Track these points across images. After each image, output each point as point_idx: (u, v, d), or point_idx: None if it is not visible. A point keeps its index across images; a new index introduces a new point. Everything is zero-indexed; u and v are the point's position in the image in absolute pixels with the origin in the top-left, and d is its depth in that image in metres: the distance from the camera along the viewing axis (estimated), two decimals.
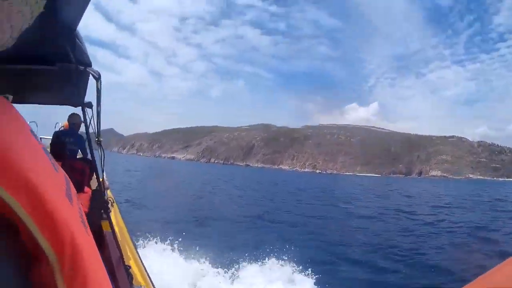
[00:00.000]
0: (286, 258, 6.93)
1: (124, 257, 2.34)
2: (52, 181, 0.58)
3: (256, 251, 7.35)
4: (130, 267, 2.11)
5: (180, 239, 7.19)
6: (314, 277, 6.34)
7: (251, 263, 6.68)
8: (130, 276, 1.99)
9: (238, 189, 29.24)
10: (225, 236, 9.94)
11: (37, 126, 7.25)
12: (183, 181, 33.99)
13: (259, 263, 6.77)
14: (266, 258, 6.96)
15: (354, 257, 8.77)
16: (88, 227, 0.68)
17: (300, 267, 6.68)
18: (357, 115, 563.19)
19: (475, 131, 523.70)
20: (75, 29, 1.50)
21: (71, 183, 0.82)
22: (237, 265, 6.51)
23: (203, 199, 19.90)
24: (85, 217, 0.73)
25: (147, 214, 12.39)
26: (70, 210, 0.57)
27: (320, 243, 10.31)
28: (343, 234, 11.82)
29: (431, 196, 34.60)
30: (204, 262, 6.30)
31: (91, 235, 0.71)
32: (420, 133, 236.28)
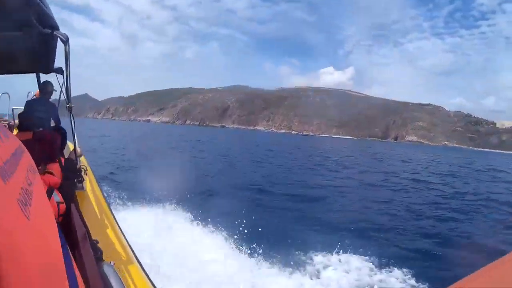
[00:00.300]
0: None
1: (93, 229, 2.22)
2: None
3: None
4: (97, 242, 1.99)
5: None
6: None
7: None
8: (98, 251, 1.87)
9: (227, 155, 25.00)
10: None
11: (9, 97, 7.09)
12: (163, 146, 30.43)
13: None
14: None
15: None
16: (31, 206, 0.62)
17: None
18: (332, 78, 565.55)
19: (450, 101, 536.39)
20: None
21: (23, 156, 0.77)
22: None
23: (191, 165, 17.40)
24: (32, 193, 0.67)
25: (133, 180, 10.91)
26: None
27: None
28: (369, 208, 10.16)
29: (428, 162, 33.05)
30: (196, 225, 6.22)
31: (38, 214, 0.65)
32: (396, 99, 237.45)
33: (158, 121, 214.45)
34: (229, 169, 17.19)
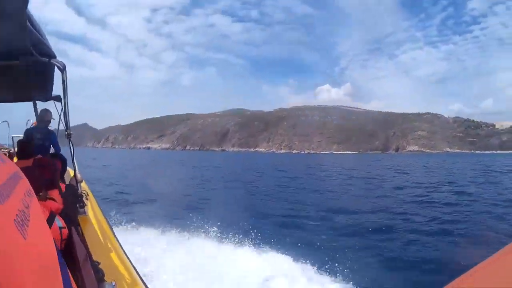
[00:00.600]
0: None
1: (95, 251, 2.25)
2: None
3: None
4: (99, 263, 2.01)
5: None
6: None
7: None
8: (99, 272, 1.90)
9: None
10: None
11: (9, 125, 7.10)
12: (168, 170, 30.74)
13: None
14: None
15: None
16: (28, 227, 0.63)
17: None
18: (330, 96, 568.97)
19: (449, 108, 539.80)
20: (24, 15, 1.45)
21: (21, 181, 0.79)
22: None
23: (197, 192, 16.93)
24: (29, 216, 0.69)
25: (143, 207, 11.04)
26: None
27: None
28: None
29: (440, 170, 32.28)
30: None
31: (36, 235, 0.66)
32: (394, 111, 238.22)
33: (158, 147, 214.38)
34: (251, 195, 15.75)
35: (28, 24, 1.57)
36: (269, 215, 10.45)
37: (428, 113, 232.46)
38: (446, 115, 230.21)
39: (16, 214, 0.60)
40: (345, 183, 20.43)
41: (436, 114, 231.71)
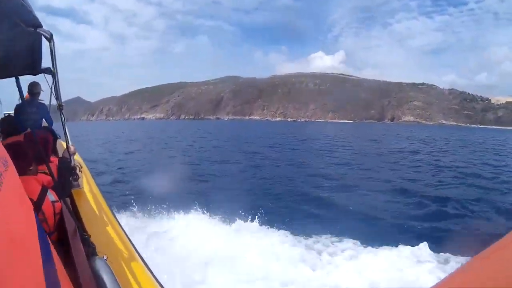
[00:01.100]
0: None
1: (89, 224, 2.22)
2: None
3: None
4: (89, 236, 1.96)
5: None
6: None
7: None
8: (90, 246, 1.85)
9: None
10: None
11: (1, 103, 6.53)
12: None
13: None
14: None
15: None
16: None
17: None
18: (323, 63, 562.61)
19: (443, 79, 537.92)
20: None
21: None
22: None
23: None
24: (1, 184, 0.65)
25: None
26: None
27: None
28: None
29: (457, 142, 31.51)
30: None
31: (9, 205, 0.64)
32: (389, 80, 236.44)
33: (153, 117, 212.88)
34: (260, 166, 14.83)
35: None
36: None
37: (423, 84, 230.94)
38: (441, 86, 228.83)
39: None
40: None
41: (431, 85, 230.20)
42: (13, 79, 3.18)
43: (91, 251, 1.81)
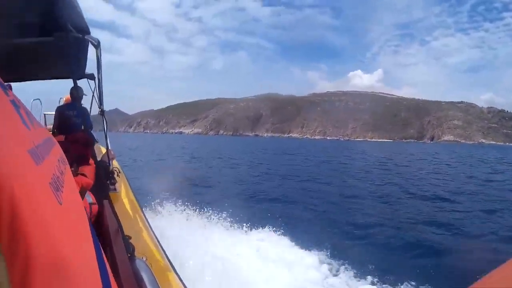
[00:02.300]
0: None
1: (125, 227, 2.24)
2: (9, 133, 0.51)
3: None
4: (130, 237, 1.99)
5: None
6: None
7: None
8: (130, 247, 1.88)
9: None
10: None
11: (41, 103, 7.14)
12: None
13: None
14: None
15: None
16: (63, 193, 0.60)
17: None
18: (361, 82, 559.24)
19: (480, 97, 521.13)
20: None
21: (55, 147, 0.77)
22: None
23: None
24: (63, 182, 0.66)
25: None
26: (27, 168, 0.49)
27: None
28: None
29: None
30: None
31: (70, 202, 0.64)
32: (426, 98, 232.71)
33: (191, 132, 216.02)
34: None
35: None
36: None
37: (462, 102, 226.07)
38: (479, 105, 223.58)
39: (51, 178, 0.58)
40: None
41: (470, 103, 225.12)
42: (55, 81, 3.20)
43: (131, 252, 1.85)
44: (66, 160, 0.84)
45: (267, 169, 19.20)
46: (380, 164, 24.95)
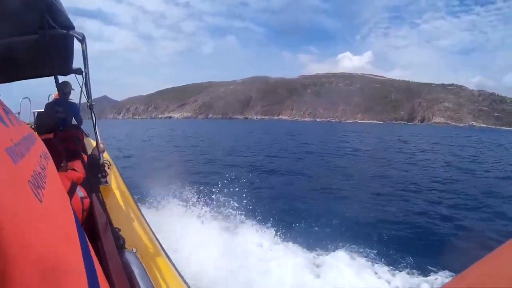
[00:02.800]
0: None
1: (117, 219, 2.24)
2: None
3: None
4: (119, 229, 1.99)
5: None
6: None
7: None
8: (120, 240, 1.89)
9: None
10: None
11: (30, 102, 7.09)
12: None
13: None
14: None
15: None
16: (44, 189, 0.59)
17: None
18: (351, 63, 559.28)
19: (470, 80, 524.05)
20: None
21: (36, 142, 0.76)
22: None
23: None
24: (45, 177, 0.65)
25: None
26: (5, 166, 0.48)
27: None
28: None
29: None
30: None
31: (52, 198, 0.63)
32: (417, 81, 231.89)
33: (180, 117, 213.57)
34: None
35: None
36: None
37: (452, 85, 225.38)
38: (470, 87, 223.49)
39: (31, 175, 0.57)
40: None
41: (461, 86, 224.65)
42: (42, 79, 3.21)
43: (121, 244, 1.83)
44: (50, 155, 0.82)
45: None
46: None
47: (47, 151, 0.82)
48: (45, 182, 0.62)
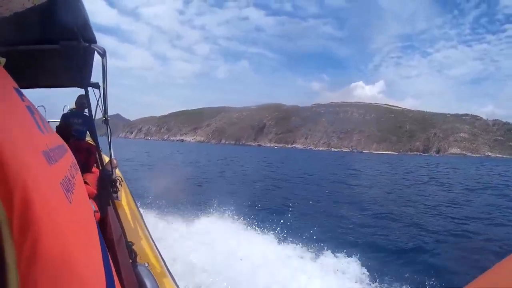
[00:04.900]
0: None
1: (127, 234, 2.29)
2: (25, 135, 0.53)
3: None
4: (132, 244, 2.04)
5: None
6: None
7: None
8: (132, 253, 1.94)
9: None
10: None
11: (45, 110, 7.25)
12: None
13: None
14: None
15: None
16: (73, 194, 0.63)
17: None
18: (363, 93, 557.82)
19: (482, 109, 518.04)
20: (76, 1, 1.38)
21: (67, 153, 0.80)
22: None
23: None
24: (74, 185, 0.69)
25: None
26: (40, 166, 0.51)
27: None
28: None
29: None
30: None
31: (80, 204, 0.66)
32: (429, 110, 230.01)
33: (193, 140, 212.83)
34: None
35: (78, 5, 1.51)
36: None
37: (466, 115, 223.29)
38: (484, 117, 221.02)
39: (62, 179, 0.60)
40: None
41: (475, 115, 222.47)
42: (61, 89, 3.29)
43: (133, 257, 1.88)
44: (78, 166, 0.87)
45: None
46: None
47: (76, 162, 0.86)
48: (74, 188, 0.66)
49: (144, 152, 40.11)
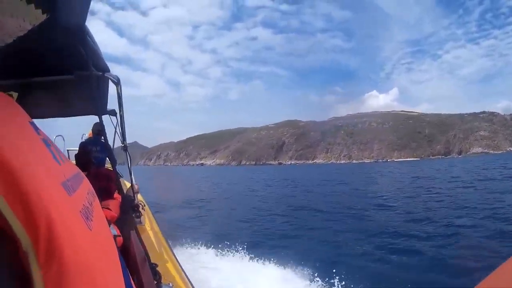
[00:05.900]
0: None
1: (151, 256, 2.32)
2: (44, 168, 0.56)
3: None
4: (156, 265, 2.08)
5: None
6: None
7: None
8: (157, 275, 1.98)
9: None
10: None
11: (64, 139, 7.30)
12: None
13: None
14: None
15: None
16: (92, 221, 0.66)
17: None
18: (377, 102, 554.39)
19: (497, 106, 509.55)
20: (83, 30, 1.46)
21: (84, 180, 0.84)
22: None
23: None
24: (93, 212, 0.72)
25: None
26: (61, 198, 0.54)
27: None
28: None
29: None
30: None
31: (99, 230, 0.69)
32: (446, 112, 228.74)
33: (213, 163, 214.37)
34: None
35: (87, 37, 1.59)
36: None
37: (484, 112, 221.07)
38: (501, 112, 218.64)
39: (82, 207, 0.64)
40: None
41: (492, 112, 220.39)
42: (76, 118, 3.35)
43: (157, 279, 1.92)
44: (95, 193, 0.91)
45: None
46: None
47: (93, 189, 0.90)
48: (92, 215, 0.70)
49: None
